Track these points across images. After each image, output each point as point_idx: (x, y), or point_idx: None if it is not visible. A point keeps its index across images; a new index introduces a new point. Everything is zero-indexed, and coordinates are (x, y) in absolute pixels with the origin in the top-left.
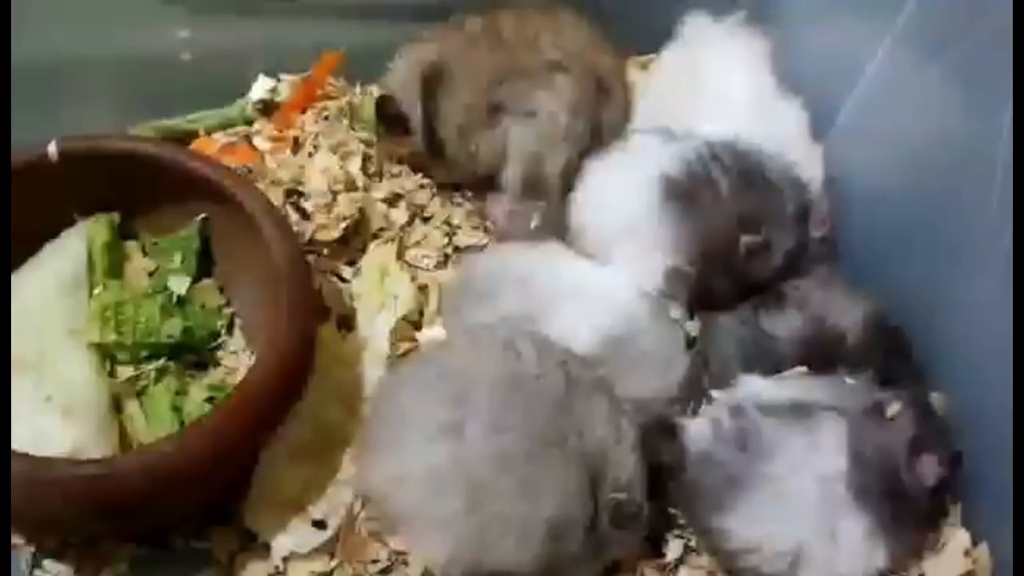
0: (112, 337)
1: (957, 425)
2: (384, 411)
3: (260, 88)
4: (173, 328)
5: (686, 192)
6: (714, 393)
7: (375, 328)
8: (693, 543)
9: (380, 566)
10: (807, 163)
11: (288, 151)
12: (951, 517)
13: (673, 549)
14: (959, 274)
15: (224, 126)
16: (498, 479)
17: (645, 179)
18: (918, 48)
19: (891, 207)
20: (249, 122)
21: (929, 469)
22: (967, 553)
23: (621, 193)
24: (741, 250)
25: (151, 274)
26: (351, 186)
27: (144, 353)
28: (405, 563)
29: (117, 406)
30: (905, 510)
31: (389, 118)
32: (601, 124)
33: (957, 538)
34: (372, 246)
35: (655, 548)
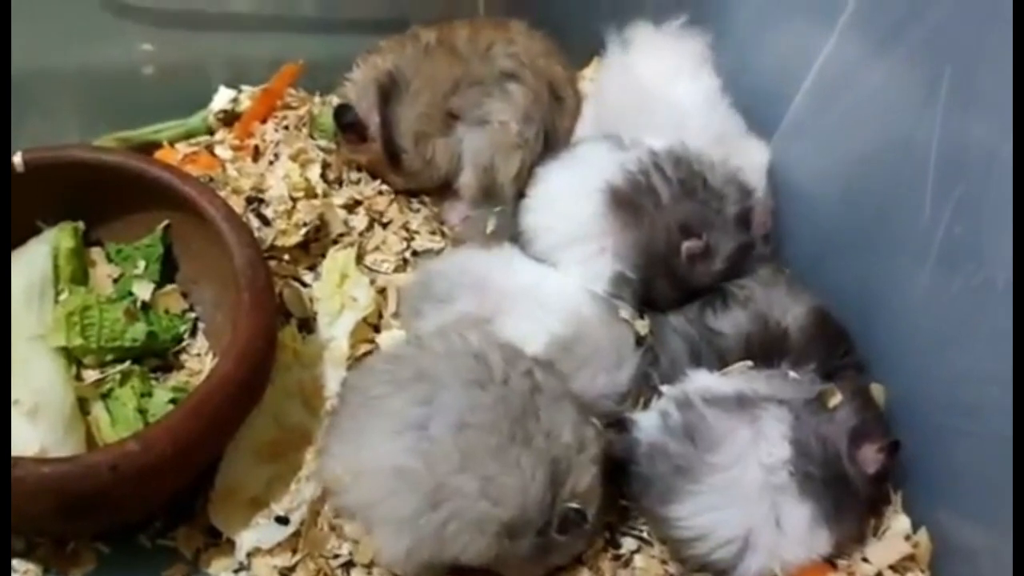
0: (78, 341)
1: (897, 415)
2: (352, 402)
3: (221, 99)
4: (137, 332)
5: (628, 200)
6: (663, 388)
7: (335, 330)
8: (647, 534)
9: (342, 560)
10: (751, 164)
11: (249, 160)
12: (892, 503)
13: (628, 542)
14: (896, 270)
15: (186, 136)
16: (460, 477)
17: (590, 187)
18: (860, 48)
19: (834, 205)
20: (211, 132)
21: (869, 457)
22: (907, 538)
23: (568, 200)
24: (683, 256)
25: (115, 280)
26: (311, 193)
27: (109, 357)
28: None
29: (83, 408)
30: (847, 497)
31: (347, 126)
32: (554, 131)
33: (898, 523)
34: (332, 251)
35: (610, 541)
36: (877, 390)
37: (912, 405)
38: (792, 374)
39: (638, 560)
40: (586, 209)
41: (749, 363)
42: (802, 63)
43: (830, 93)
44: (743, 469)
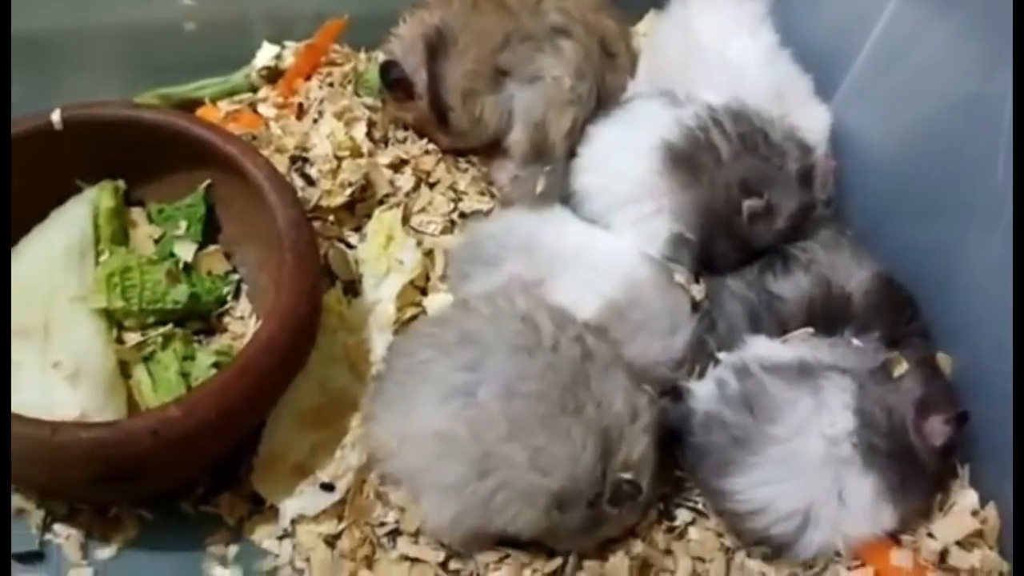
0: (119, 303)
1: (964, 385)
2: (398, 367)
3: (264, 55)
4: (179, 294)
5: (687, 158)
6: (720, 355)
7: (380, 293)
8: (702, 506)
9: (388, 528)
10: (812, 124)
11: (293, 118)
12: (959, 478)
13: (682, 513)
14: (965, 235)
15: (229, 94)
16: (509, 446)
17: (646, 144)
18: (926, 5)
19: (899, 168)
20: (254, 89)
21: (936, 429)
22: (975, 513)
23: (623, 158)
24: (744, 214)
25: (157, 241)
26: (356, 152)
27: (151, 319)
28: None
29: (125, 372)
30: (913, 470)
31: (393, 83)
32: (605, 88)
33: (965, 498)
34: (377, 212)
35: (664, 512)
36: (943, 360)
37: (980, 375)
38: (856, 342)
39: (693, 532)
40: (642, 167)
41: (810, 330)
42: (863, 23)
43: (894, 53)
44: (804, 440)
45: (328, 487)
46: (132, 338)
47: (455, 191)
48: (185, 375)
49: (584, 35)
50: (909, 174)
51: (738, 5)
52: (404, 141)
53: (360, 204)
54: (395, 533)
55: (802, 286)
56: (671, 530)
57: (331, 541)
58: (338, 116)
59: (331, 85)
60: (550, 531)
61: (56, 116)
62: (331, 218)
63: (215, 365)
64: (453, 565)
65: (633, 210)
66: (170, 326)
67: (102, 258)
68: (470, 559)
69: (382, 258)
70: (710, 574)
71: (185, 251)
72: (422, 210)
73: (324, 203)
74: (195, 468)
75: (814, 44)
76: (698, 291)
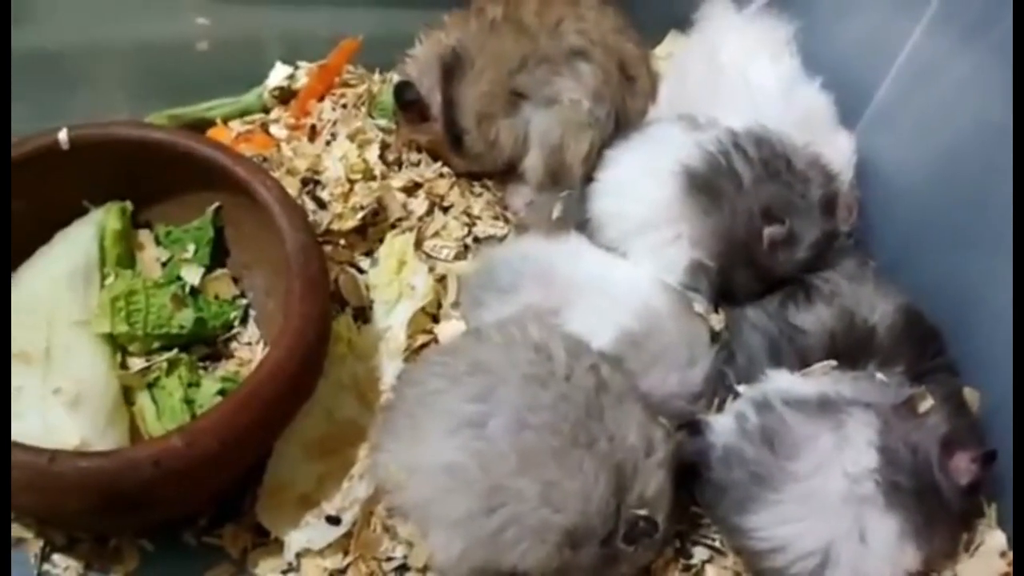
0: (123, 328)
1: (992, 422)
2: (408, 397)
3: (277, 75)
4: (185, 319)
5: (708, 183)
6: (740, 388)
7: (392, 320)
8: (719, 543)
9: (395, 563)
10: (836, 151)
11: (305, 139)
12: (986, 517)
13: (699, 551)
14: (994, 266)
15: (240, 114)
16: (519, 480)
17: (666, 170)
18: (954, 32)
19: (925, 197)
20: (266, 110)
21: (963, 467)
22: (1003, 555)
23: (642, 184)
24: (764, 242)
25: (164, 264)
26: (369, 175)
27: (156, 344)
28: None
29: (128, 398)
30: (937, 510)
31: (408, 104)
32: (625, 112)
33: (992, 539)
34: (390, 236)
35: (680, 550)
36: (970, 395)
37: (1009, 412)
38: (879, 376)
39: (710, 571)
40: (661, 193)
41: (833, 363)
42: (888, 49)
43: (919, 80)
44: (826, 478)
45: (334, 520)
46: (136, 363)
47: (469, 216)
48: (190, 402)
49: (603, 58)
50: (935, 204)
51: (763, 30)
52: (418, 164)
53: (372, 228)
54: (403, 568)
55: (824, 318)
56: (688, 568)
57: None
58: (351, 138)
59: (344, 107)
60: (562, 569)
61: (63, 135)
62: (342, 242)
63: (221, 392)
64: None
65: (651, 237)
66: (175, 351)
67: (107, 281)
68: None
69: (394, 284)
70: None
71: (192, 275)
72: (435, 235)
73: (335, 227)
74: (198, 499)
75: (838, 70)
76: (717, 321)
